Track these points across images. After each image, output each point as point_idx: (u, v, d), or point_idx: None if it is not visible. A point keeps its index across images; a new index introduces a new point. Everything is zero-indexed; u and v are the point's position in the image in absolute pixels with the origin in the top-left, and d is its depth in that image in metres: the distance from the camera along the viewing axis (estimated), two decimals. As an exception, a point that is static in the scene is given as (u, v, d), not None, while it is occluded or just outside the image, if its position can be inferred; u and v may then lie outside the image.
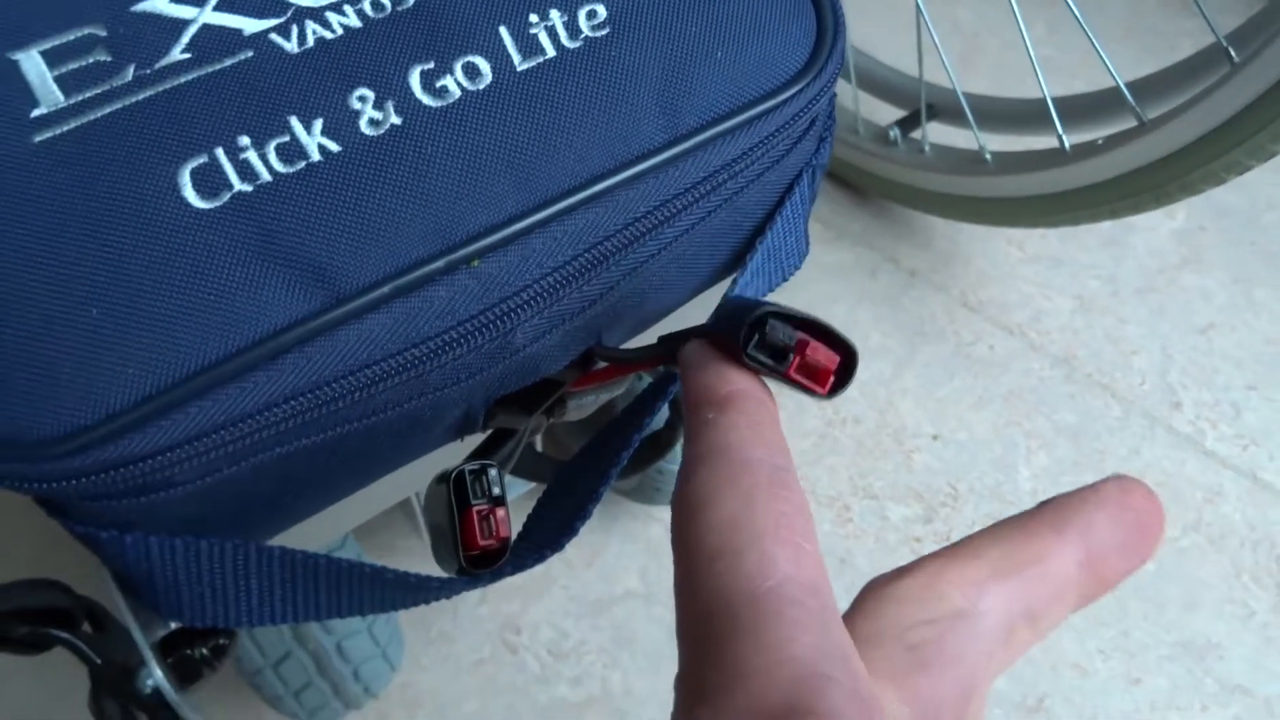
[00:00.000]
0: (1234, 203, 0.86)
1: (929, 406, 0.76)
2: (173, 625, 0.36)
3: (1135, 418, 0.75)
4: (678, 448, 0.57)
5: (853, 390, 0.75)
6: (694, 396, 0.24)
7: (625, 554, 0.69)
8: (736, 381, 0.24)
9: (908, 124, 0.81)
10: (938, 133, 0.79)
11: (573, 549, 0.70)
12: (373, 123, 0.30)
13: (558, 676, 0.65)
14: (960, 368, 0.78)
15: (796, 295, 0.81)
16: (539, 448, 0.56)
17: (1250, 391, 0.76)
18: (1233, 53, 0.57)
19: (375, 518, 0.46)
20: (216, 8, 0.31)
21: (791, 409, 0.74)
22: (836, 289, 0.82)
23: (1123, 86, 0.63)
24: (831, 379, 0.26)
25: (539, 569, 0.69)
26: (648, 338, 0.37)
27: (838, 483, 0.72)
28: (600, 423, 0.49)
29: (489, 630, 0.67)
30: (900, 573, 0.21)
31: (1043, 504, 0.21)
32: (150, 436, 0.27)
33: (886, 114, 0.83)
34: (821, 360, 0.26)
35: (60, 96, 0.29)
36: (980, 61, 0.97)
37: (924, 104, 0.79)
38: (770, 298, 0.39)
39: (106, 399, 0.27)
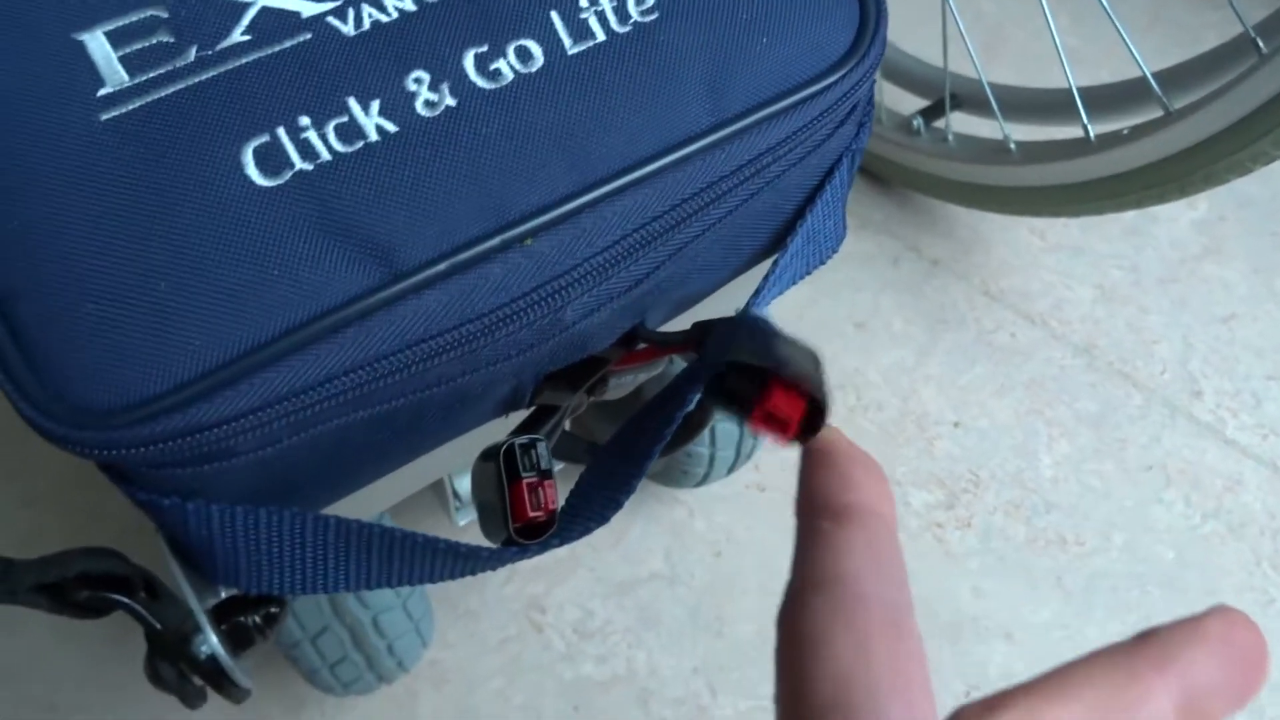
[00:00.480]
0: (1256, 193, 0.86)
1: (951, 394, 0.76)
2: (223, 594, 0.37)
3: (1156, 406, 0.75)
4: (705, 431, 0.58)
5: (875, 377, 0.76)
6: (810, 495, 0.23)
7: (650, 536, 0.70)
8: (860, 490, 0.22)
9: (931, 113, 0.82)
10: (960, 122, 0.80)
11: (598, 531, 0.71)
12: (428, 104, 0.31)
13: (583, 655, 0.66)
14: (982, 356, 0.78)
15: (819, 280, 0.82)
16: (566, 427, 0.57)
17: (1271, 381, 0.77)
18: (1260, 43, 0.57)
19: (406, 498, 0.47)
20: (276, -10, 0.32)
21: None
22: (859, 277, 0.82)
23: (1149, 76, 0.64)
24: (794, 430, 0.26)
25: (563, 551, 0.70)
26: (689, 318, 0.38)
27: (860, 468, 0.73)
28: (629, 408, 0.50)
29: (515, 609, 0.68)
30: (990, 707, 0.19)
31: (1140, 637, 0.20)
32: (217, 406, 0.28)
33: (909, 104, 0.84)
34: (784, 411, 0.26)
35: (125, 76, 0.30)
36: (1004, 52, 0.97)
37: (948, 93, 0.79)
38: (805, 282, 0.40)
39: (175, 369, 0.28)
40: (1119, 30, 0.61)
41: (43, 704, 0.66)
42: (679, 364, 0.52)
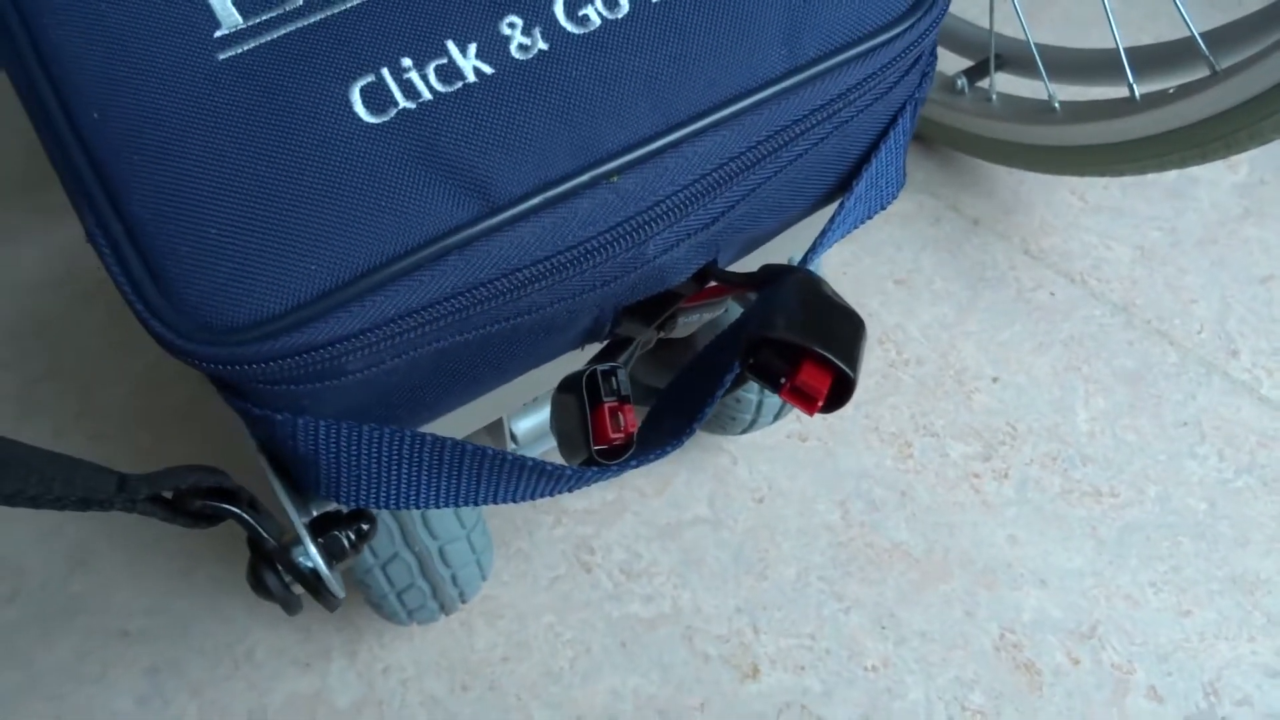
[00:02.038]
0: (1297, 157, 0.87)
1: (990, 350, 0.78)
2: (314, 513, 0.40)
3: (1192, 364, 0.77)
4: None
5: (915, 333, 0.78)
6: None
7: (694, 483, 0.72)
8: None
9: (975, 73, 0.83)
10: (1004, 82, 0.81)
11: (643, 477, 0.73)
12: (522, 47, 0.33)
13: (630, 594, 0.68)
14: (1021, 313, 0.80)
15: (861, 238, 0.83)
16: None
17: (1307, 342, 0.78)
18: (1310, 3, 0.58)
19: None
20: (376, -62, 0.34)
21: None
22: (900, 235, 0.84)
23: (1197, 36, 0.64)
24: (821, 401, 0.28)
25: (610, 495, 0.72)
26: (757, 258, 0.40)
27: (899, 420, 0.75)
28: (678, 358, 0.52)
29: (564, 550, 0.70)
30: None
31: None
32: (331, 326, 0.30)
33: (952, 63, 0.84)
34: (812, 385, 0.28)
35: (239, 19, 0.32)
36: (1047, 12, 0.97)
37: (993, 54, 0.80)
38: (846, 240, 0.42)
39: (293, 291, 0.30)
40: (1168, -11, 0.62)
41: (114, 631, 0.69)
42: (734, 311, 0.54)
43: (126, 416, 0.78)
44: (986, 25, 0.80)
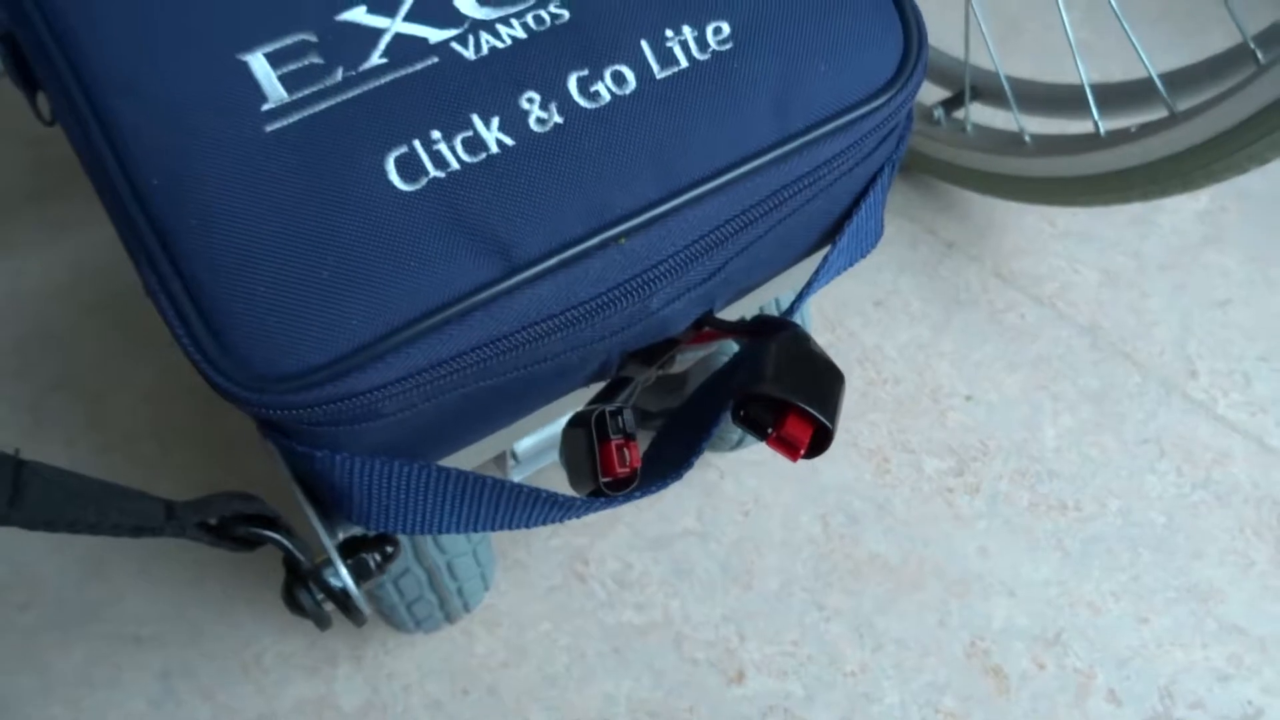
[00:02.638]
0: (1256, 187, 0.91)
1: (963, 369, 0.82)
2: (341, 536, 0.43)
3: (1153, 385, 0.81)
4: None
5: (893, 353, 0.82)
6: None
7: (684, 497, 0.76)
8: None
9: (951, 104, 0.87)
10: (978, 113, 0.85)
11: (635, 490, 0.77)
12: (540, 120, 0.36)
13: (623, 603, 0.72)
14: (993, 334, 0.84)
15: (843, 263, 0.87)
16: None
17: (1261, 362, 0.82)
18: (1259, 54, 0.62)
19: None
20: (406, 18, 0.37)
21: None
22: (879, 258, 0.88)
23: (1156, 79, 0.69)
24: (802, 451, 0.32)
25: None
26: (750, 302, 0.44)
27: (878, 436, 0.79)
28: (673, 386, 0.55)
29: (559, 561, 0.74)
30: None
31: None
32: (369, 376, 0.33)
33: (930, 94, 0.88)
34: (795, 436, 0.32)
35: (284, 93, 0.35)
36: (1019, 43, 1.01)
37: (968, 85, 0.84)
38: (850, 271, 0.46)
39: (335, 343, 0.33)
40: (1128, 34, 0.66)
41: (127, 637, 0.72)
42: (727, 347, 0.57)
43: (135, 428, 0.81)
44: (962, 56, 0.84)
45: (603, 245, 0.36)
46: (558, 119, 0.36)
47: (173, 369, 0.84)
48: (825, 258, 0.41)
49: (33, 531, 0.35)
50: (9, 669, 0.71)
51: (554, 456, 0.64)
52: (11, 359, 0.85)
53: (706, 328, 0.41)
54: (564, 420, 0.57)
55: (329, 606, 0.41)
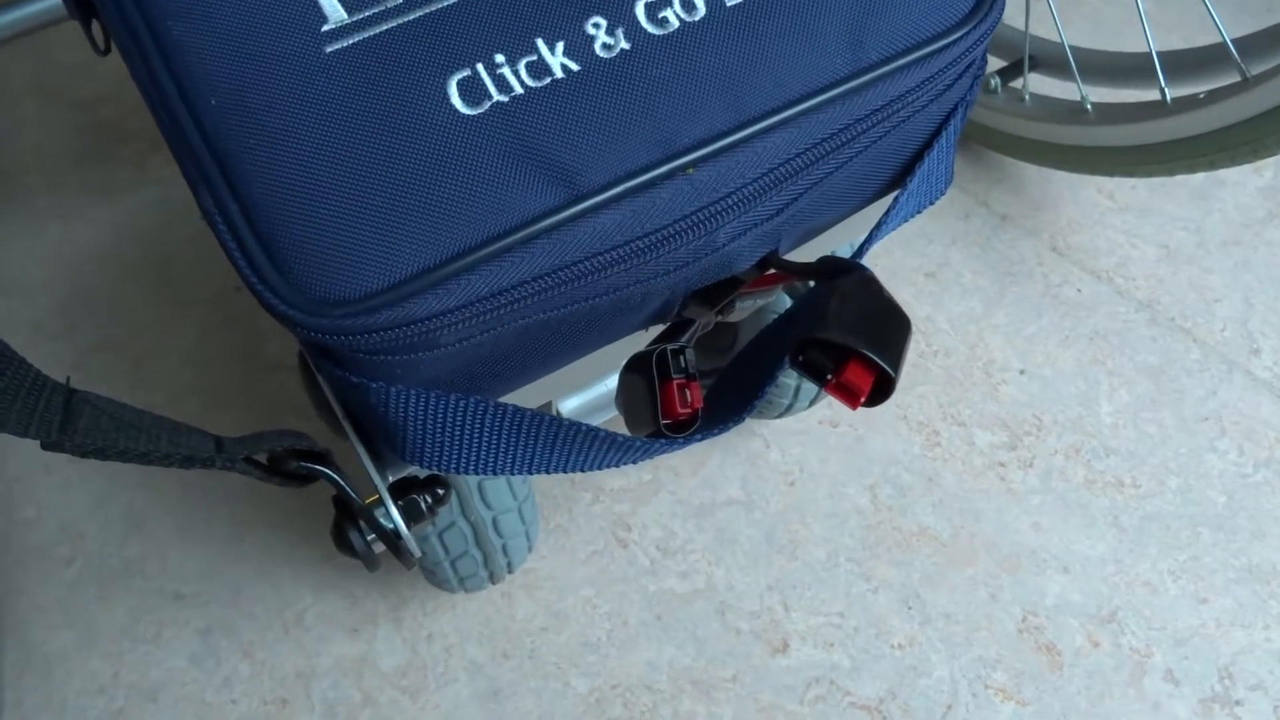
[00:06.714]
0: (1322, 161, 0.88)
1: (1017, 343, 0.80)
2: (390, 479, 0.42)
3: (1214, 362, 0.79)
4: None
5: (944, 325, 0.80)
6: None
7: (728, 465, 0.75)
8: None
9: (1008, 73, 0.85)
10: (1036, 83, 0.82)
11: (679, 459, 0.75)
12: (606, 46, 0.35)
13: (666, 570, 0.71)
14: (1048, 308, 0.82)
15: (895, 233, 0.85)
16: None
17: (1327, 342, 0.80)
18: (1342, 12, 0.60)
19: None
20: (469, -60, 0.36)
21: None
22: (930, 229, 0.86)
23: (1229, 43, 0.66)
24: (862, 398, 0.30)
25: (646, 475, 0.75)
26: (815, 247, 0.42)
27: (928, 409, 0.77)
28: (723, 345, 0.54)
29: (602, 526, 0.73)
30: None
31: None
32: (428, 302, 0.32)
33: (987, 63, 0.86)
34: (856, 382, 0.30)
35: (344, 14, 0.34)
36: (1079, 14, 0.99)
37: (1027, 54, 0.82)
38: (913, 221, 0.44)
39: (394, 269, 0.32)
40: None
41: (169, 594, 0.72)
42: (782, 299, 0.56)
43: (177, 389, 0.81)
44: (1021, 26, 0.82)
45: (670, 175, 0.35)
46: (624, 45, 0.35)
47: (214, 331, 0.84)
48: (895, 199, 0.40)
49: (84, 459, 0.35)
50: (52, 623, 0.71)
51: (600, 418, 0.64)
52: (56, 321, 0.85)
53: (771, 268, 0.40)
54: (612, 380, 0.56)
55: (378, 548, 0.40)
